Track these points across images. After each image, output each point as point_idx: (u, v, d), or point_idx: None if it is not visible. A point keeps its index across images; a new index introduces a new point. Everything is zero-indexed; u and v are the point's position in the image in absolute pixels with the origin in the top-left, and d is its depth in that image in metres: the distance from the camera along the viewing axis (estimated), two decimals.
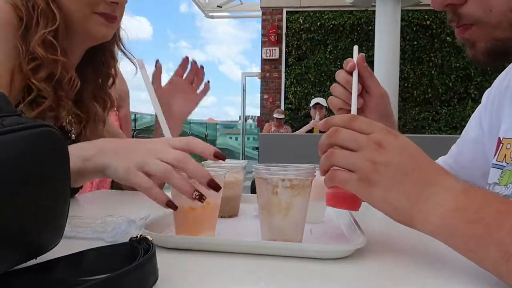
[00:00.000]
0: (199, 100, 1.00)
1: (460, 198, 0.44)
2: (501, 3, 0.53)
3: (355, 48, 0.72)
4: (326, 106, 5.08)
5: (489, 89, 0.85)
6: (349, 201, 0.53)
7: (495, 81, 0.83)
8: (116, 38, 0.93)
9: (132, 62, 0.94)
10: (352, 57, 0.71)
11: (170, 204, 0.54)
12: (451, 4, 0.57)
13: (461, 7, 0.57)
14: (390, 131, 0.49)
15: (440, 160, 0.92)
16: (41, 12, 0.77)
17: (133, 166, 0.54)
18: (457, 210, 0.43)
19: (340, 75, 0.71)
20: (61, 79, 0.79)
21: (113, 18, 0.83)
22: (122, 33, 0.95)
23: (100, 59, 0.94)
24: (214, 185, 0.53)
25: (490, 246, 0.40)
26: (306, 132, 4.94)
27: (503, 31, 0.55)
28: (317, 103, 5.03)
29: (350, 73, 0.70)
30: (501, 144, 0.72)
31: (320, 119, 4.91)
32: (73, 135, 0.90)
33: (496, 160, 0.71)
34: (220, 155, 0.57)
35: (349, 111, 0.67)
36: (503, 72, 0.82)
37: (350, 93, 0.68)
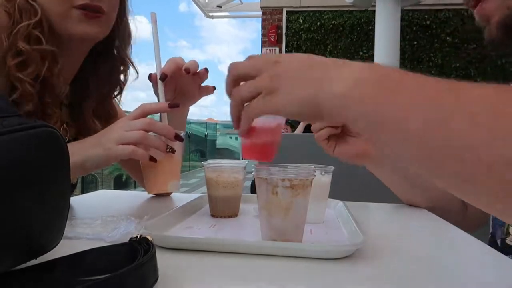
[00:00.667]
0: (201, 93, 0.88)
1: (364, 71, 0.42)
2: None
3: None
4: None
5: None
6: (263, 152, 0.56)
7: None
8: (125, 45, 0.87)
9: (134, 69, 0.90)
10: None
11: (152, 158, 0.66)
12: None
13: None
14: (284, 53, 0.50)
15: None
16: (21, 6, 0.72)
17: (111, 143, 0.65)
18: (362, 80, 0.41)
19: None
20: (47, 82, 0.73)
21: (95, 12, 0.74)
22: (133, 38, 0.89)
23: (106, 65, 0.87)
24: (179, 138, 0.68)
25: (386, 111, 0.38)
26: (304, 131, 4.94)
27: None
28: None
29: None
30: None
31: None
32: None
33: None
34: (179, 137, 0.69)
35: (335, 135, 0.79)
36: None
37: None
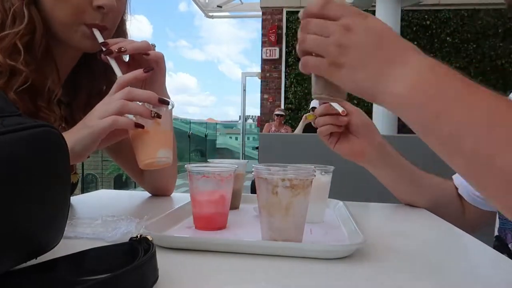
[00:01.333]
0: (160, 72, 0.81)
1: (424, 72, 0.44)
2: None
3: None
4: None
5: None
6: (211, 221, 0.64)
7: None
8: (114, 37, 0.84)
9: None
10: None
11: (137, 125, 0.64)
12: None
13: None
14: (360, 13, 0.50)
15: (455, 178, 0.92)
16: (15, 12, 0.70)
17: (93, 120, 0.63)
18: (419, 84, 0.44)
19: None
20: (37, 88, 0.72)
21: (101, 30, 0.75)
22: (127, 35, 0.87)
23: (100, 64, 0.84)
24: (163, 101, 0.65)
25: (442, 123, 0.41)
26: (304, 131, 4.95)
27: None
28: (314, 107, 5.04)
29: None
30: None
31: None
32: None
33: None
34: (164, 100, 0.66)
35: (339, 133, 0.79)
36: None
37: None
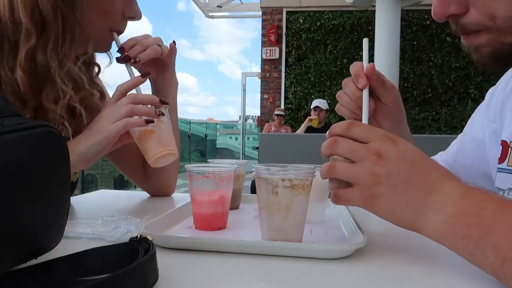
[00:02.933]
0: (171, 56, 0.88)
1: (460, 202, 0.45)
2: (504, 10, 0.53)
3: (365, 41, 0.67)
4: (326, 109, 5.09)
5: (493, 87, 0.83)
6: (211, 221, 0.64)
7: (500, 81, 0.82)
8: None
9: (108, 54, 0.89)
10: (355, 56, 0.70)
11: (148, 120, 0.68)
12: (453, 15, 0.56)
13: (464, 17, 0.55)
14: (389, 137, 0.49)
15: (439, 157, 0.91)
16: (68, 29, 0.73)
17: (105, 126, 0.68)
18: (456, 216, 0.44)
19: (349, 88, 0.67)
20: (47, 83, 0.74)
21: (121, 33, 0.81)
22: None
23: None
24: (163, 101, 0.72)
25: (486, 249, 0.41)
26: (305, 131, 4.95)
27: (510, 36, 0.54)
28: (317, 106, 5.03)
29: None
30: (509, 149, 0.71)
31: (320, 121, 4.93)
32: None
33: (507, 165, 0.70)
34: (164, 101, 0.72)
35: (357, 119, 0.66)
36: (507, 72, 0.81)
37: (359, 106, 0.65)
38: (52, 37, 0.72)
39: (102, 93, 0.90)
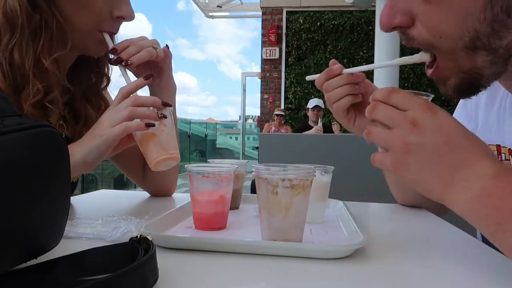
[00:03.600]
0: (166, 60, 0.85)
1: (489, 183, 0.44)
2: (451, 31, 0.52)
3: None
4: (323, 108, 5.09)
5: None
6: (212, 221, 0.64)
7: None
8: None
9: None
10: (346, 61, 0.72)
11: (148, 124, 0.67)
12: (399, 26, 0.55)
13: (410, 29, 0.55)
14: (429, 107, 0.48)
15: None
16: (46, 26, 0.72)
17: (105, 130, 0.66)
18: (483, 196, 0.44)
19: (334, 83, 0.72)
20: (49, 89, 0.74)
21: (112, 35, 0.78)
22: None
23: (93, 58, 0.88)
24: (165, 103, 0.70)
25: (507, 232, 0.41)
26: (304, 129, 4.94)
27: (463, 62, 0.53)
28: (316, 105, 5.01)
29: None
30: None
31: (316, 121, 4.90)
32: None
33: None
34: (166, 103, 0.71)
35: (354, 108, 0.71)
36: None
37: (350, 83, 0.68)
38: (27, 35, 0.71)
39: (102, 107, 0.89)
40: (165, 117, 0.69)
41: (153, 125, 0.67)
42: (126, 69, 0.75)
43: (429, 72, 0.58)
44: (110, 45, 0.76)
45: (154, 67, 0.83)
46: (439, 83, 0.58)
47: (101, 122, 0.69)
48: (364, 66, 0.70)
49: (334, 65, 0.72)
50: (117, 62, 0.74)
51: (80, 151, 0.67)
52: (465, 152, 0.46)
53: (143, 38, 0.78)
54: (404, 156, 0.47)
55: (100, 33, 0.76)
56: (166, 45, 0.82)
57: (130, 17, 0.78)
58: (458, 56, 0.53)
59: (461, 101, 0.85)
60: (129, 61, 0.74)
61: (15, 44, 0.70)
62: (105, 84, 0.91)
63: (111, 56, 0.76)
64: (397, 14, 0.54)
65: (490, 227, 0.43)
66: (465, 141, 0.47)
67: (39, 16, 0.71)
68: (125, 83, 0.74)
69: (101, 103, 0.89)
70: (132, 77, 0.76)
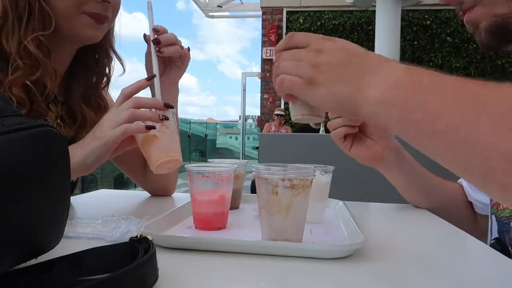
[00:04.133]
0: (184, 62, 0.86)
1: (400, 74, 0.45)
2: None
3: None
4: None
5: None
6: (213, 221, 0.64)
7: None
8: (109, 37, 0.88)
9: (121, 63, 0.90)
10: None
11: (149, 127, 0.66)
12: None
13: None
14: (327, 38, 0.51)
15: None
16: (37, 13, 0.72)
17: (105, 131, 0.66)
18: (396, 84, 0.44)
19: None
20: (39, 83, 0.73)
21: (103, 19, 0.77)
22: (116, 32, 0.89)
23: (93, 57, 0.88)
24: (168, 105, 0.69)
25: (416, 112, 0.41)
26: (303, 131, 4.93)
27: (502, 7, 0.54)
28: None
29: None
30: None
31: (318, 126, 4.87)
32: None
33: None
34: (169, 105, 0.69)
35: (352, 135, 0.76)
36: None
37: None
38: (12, 20, 0.71)
39: (102, 107, 0.89)
40: (166, 119, 0.68)
41: (154, 128, 0.66)
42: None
43: (462, 16, 0.59)
44: (151, 25, 0.77)
45: (168, 65, 0.83)
46: (472, 28, 0.59)
47: (102, 124, 0.68)
48: None
49: None
50: (155, 42, 0.75)
51: (80, 153, 0.66)
52: (369, 58, 0.48)
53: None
54: (315, 76, 0.49)
55: (87, 16, 0.75)
56: (188, 48, 0.83)
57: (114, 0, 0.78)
58: (497, 5, 0.55)
59: None
60: (161, 49, 0.75)
61: (2, 30, 0.71)
62: (104, 84, 0.91)
63: (153, 36, 0.76)
64: None
65: (401, 113, 0.42)
66: (368, 52, 0.50)
67: (24, 1, 0.71)
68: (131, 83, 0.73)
69: (100, 104, 0.89)
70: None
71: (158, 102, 0.69)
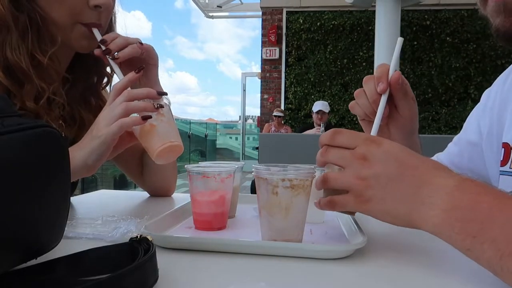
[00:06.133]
0: (152, 59, 0.82)
1: (454, 195, 0.44)
2: None
3: (399, 41, 0.64)
4: (328, 112, 5.06)
5: (488, 89, 0.83)
6: (212, 221, 0.64)
7: (496, 81, 0.82)
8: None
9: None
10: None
11: (145, 117, 0.65)
12: None
13: None
14: (372, 140, 0.50)
15: (436, 158, 0.91)
16: (41, 35, 0.73)
17: (102, 130, 0.65)
18: (452, 209, 0.44)
19: (368, 87, 0.65)
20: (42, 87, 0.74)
21: (97, 27, 0.76)
22: (116, 31, 0.87)
23: (93, 57, 0.85)
24: (161, 92, 0.69)
25: (484, 244, 0.40)
26: (306, 130, 4.94)
27: None
28: (320, 110, 4.95)
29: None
30: (511, 151, 0.70)
31: (319, 125, 4.86)
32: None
33: (510, 168, 0.69)
34: (162, 92, 0.69)
35: (370, 122, 0.65)
36: (504, 73, 0.80)
37: (374, 109, 0.64)
38: (16, 34, 0.71)
39: (102, 107, 0.88)
40: (161, 107, 0.68)
41: (150, 117, 0.66)
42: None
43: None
44: (99, 38, 0.75)
45: (138, 65, 0.78)
46: (496, 13, 0.59)
47: (98, 122, 0.68)
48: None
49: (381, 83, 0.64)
50: (105, 53, 0.73)
51: (80, 155, 0.66)
52: (418, 170, 0.47)
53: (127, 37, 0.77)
54: (365, 192, 0.48)
55: (83, 26, 0.75)
56: (140, 41, 0.77)
57: (106, 4, 0.76)
58: None
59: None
60: (115, 54, 0.73)
61: (6, 44, 0.70)
62: (105, 84, 0.91)
63: (102, 47, 0.73)
64: None
65: (465, 241, 0.42)
66: (414, 159, 0.48)
67: (24, 15, 0.71)
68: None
69: (100, 104, 0.88)
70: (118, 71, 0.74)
71: (151, 91, 0.68)
